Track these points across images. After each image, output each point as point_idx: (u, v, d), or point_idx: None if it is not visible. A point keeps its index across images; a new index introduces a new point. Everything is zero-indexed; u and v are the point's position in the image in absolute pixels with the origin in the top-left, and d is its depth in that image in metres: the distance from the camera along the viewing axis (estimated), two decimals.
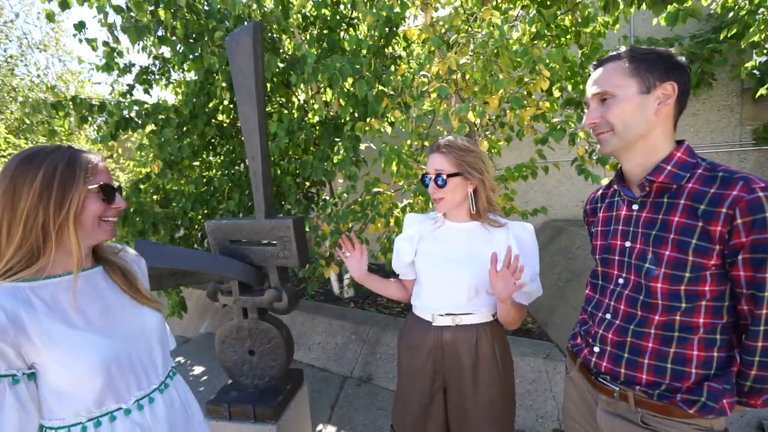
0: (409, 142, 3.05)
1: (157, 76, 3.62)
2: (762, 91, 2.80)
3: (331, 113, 3.60)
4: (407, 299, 1.51)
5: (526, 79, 2.29)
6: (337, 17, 3.09)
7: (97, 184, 0.86)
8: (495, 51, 2.00)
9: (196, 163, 3.67)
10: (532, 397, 2.46)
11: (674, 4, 1.90)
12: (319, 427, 2.55)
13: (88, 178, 0.85)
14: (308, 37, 3.19)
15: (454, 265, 1.28)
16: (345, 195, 2.82)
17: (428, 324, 1.32)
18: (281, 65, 2.73)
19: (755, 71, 3.52)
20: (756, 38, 2.36)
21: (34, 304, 0.81)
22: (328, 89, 3.62)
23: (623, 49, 0.90)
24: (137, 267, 1.09)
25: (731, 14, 2.92)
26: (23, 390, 0.79)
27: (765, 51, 3.00)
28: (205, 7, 3.01)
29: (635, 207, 0.94)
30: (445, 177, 1.24)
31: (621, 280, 0.95)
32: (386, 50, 2.99)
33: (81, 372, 0.83)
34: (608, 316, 0.96)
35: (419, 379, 1.34)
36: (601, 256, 1.02)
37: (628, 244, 0.94)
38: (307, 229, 3.07)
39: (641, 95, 0.86)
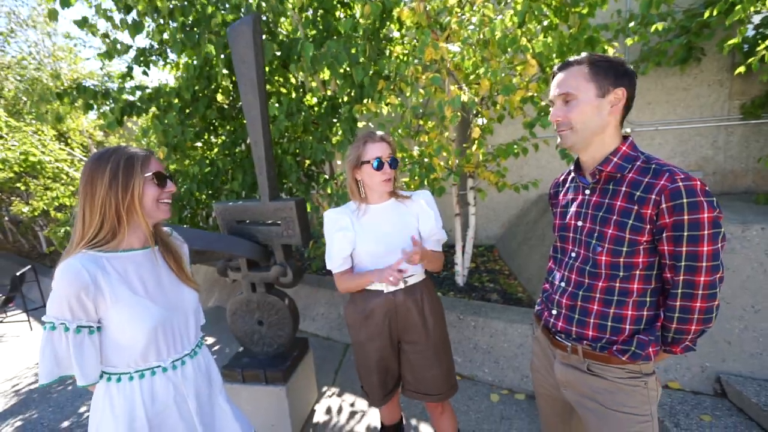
0: (404, 122, 3.15)
1: (154, 58, 3.66)
2: (740, 69, 2.85)
3: (329, 91, 3.66)
4: None
5: (515, 62, 2.37)
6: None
7: (151, 172, 1.05)
8: (485, 40, 2.08)
9: (199, 145, 3.76)
10: (518, 359, 2.68)
11: None
12: (324, 389, 2.79)
13: (144, 168, 1.04)
14: (304, 18, 3.21)
15: (392, 239, 1.51)
16: (344, 175, 2.94)
17: (380, 293, 1.55)
18: (279, 52, 2.78)
19: (745, 45, 3.56)
20: (740, 16, 2.41)
21: (108, 271, 1.02)
22: (326, 68, 3.68)
23: (583, 55, 1.03)
24: (183, 250, 1.28)
25: None
26: (96, 339, 1.01)
27: (747, 28, 3.03)
28: None
29: (588, 192, 1.10)
30: (398, 159, 1.51)
31: (573, 254, 1.12)
32: (381, 33, 3.02)
33: (137, 329, 1.03)
34: (563, 284, 1.14)
35: (379, 341, 1.57)
36: (559, 234, 1.19)
37: (580, 223, 1.10)
38: (308, 209, 3.21)
39: (598, 98, 0.99)
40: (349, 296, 1.65)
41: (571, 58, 1.05)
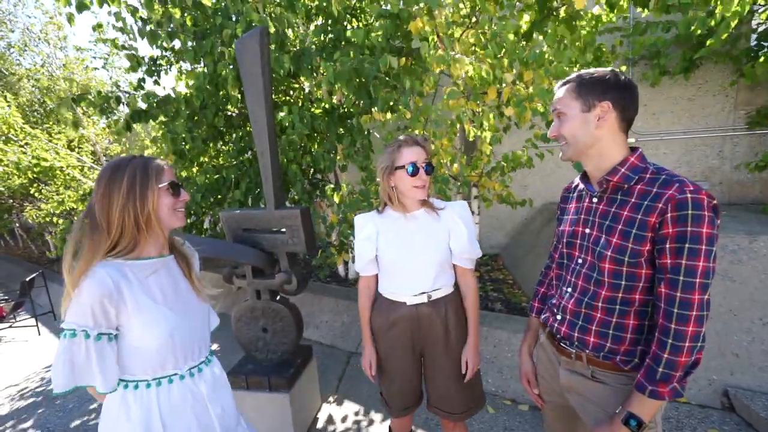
0: (417, 132, 3.18)
1: (166, 67, 3.74)
2: (746, 78, 2.84)
3: (335, 100, 3.69)
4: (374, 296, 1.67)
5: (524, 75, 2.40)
6: (342, 9, 3.15)
7: (166, 182, 1.08)
8: (494, 53, 2.12)
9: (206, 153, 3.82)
10: None
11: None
12: (328, 397, 2.79)
13: (159, 179, 1.07)
14: (314, 27, 3.26)
15: (419, 251, 1.48)
16: (350, 185, 2.96)
17: (403, 304, 1.52)
18: (289, 63, 2.82)
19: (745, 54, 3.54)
20: (727, 33, 2.42)
21: (130, 278, 1.04)
22: (342, 85, 3.72)
23: (574, 74, 1.08)
24: (194, 260, 1.30)
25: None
26: (114, 346, 1.03)
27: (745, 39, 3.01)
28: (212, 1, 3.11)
29: (595, 200, 1.12)
30: (434, 166, 1.44)
31: (580, 260, 1.14)
32: (394, 44, 3.05)
33: (155, 336, 1.05)
34: (569, 289, 1.16)
35: (401, 350, 1.56)
36: (567, 240, 1.20)
37: (587, 231, 1.12)
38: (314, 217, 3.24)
39: (583, 113, 1.04)
40: (376, 303, 1.63)
41: (565, 79, 1.10)
